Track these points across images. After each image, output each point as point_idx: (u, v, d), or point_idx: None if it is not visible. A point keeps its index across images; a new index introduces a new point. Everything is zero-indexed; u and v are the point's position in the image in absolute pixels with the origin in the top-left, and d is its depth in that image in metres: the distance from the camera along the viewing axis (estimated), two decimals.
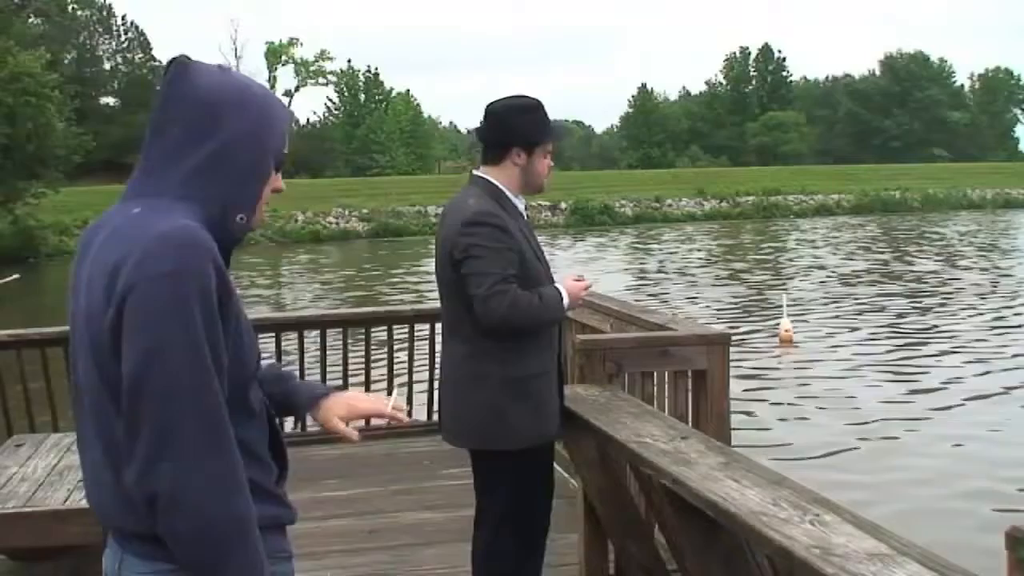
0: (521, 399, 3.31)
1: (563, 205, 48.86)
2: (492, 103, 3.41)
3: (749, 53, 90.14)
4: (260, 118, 1.68)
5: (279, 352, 6.19)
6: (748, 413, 10.23)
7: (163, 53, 71.37)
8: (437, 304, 3.76)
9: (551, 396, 3.41)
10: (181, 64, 1.66)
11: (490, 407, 3.31)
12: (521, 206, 3.45)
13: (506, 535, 3.45)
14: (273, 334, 6.22)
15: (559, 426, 3.46)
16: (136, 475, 1.50)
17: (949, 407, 10.96)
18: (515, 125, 3.37)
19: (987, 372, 12.69)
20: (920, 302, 19.59)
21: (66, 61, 57.04)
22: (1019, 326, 16.37)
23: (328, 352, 6.38)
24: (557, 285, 3.37)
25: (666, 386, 4.02)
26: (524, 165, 3.37)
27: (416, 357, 6.44)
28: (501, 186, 3.37)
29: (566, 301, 3.34)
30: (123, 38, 70.98)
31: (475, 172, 3.46)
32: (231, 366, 1.58)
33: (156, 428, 1.49)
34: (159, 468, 1.48)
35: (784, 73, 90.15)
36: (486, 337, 3.27)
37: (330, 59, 73.65)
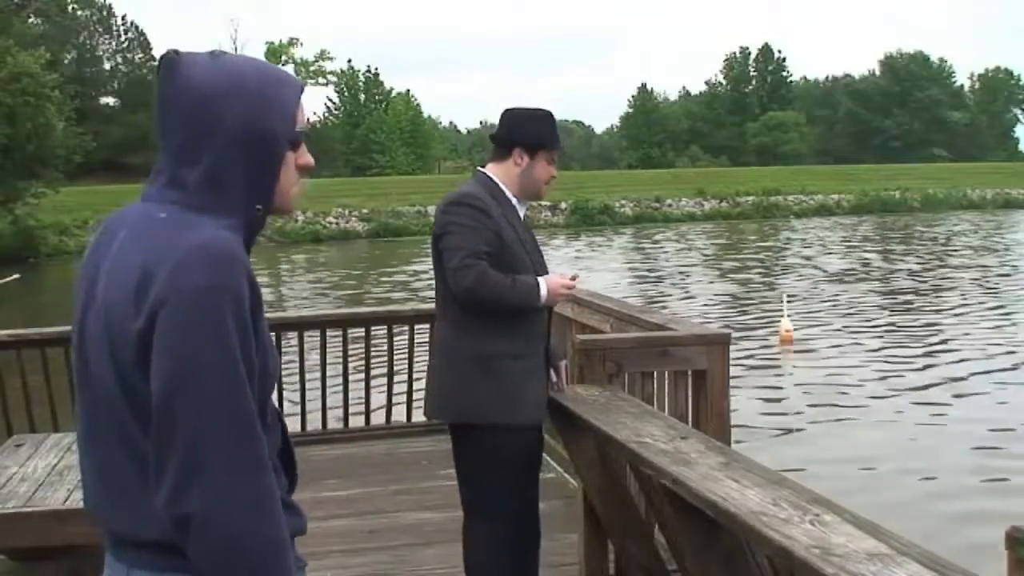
0: (487, 376, 3.40)
1: (563, 205, 48.84)
2: (510, 108, 3.62)
3: (749, 53, 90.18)
4: (257, 104, 1.60)
5: (279, 352, 6.18)
6: (748, 413, 10.22)
7: (163, 53, 71.38)
8: None
9: (526, 382, 3.45)
10: (169, 60, 1.60)
11: (460, 379, 3.43)
12: (519, 205, 3.55)
13: (494, 527, 3.48)
14: (273, 334, 6.20)
15: (538, 417, 3.49)
16: (167, 496, 1.45)
17: (948, 406, 10.97)
18: (522, 127, 3.56)
19: (985, 369, 12.69)
20: (918, 301, 19.59)
21: (66, 61, 57.05)
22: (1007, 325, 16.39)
23: (328, 352, 6.39)
24: (539, 278, 3.46)
25: (666, 386, 4.02)
26: (524, 167, 3.52)
27: (416, 357, 6.43)
28: (500, 183, 3.52)
29: (543, 292, 3.42)
30: (123, 38, 70.98)
31: (479, 168, 3.62)
32: (259, 378, 1.54)
33: (188, 449, 1.44)
34: (191, 490, 1.44)
35: (784, 73, 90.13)
36: (463, 314, 3.41)
37: (330, 59, 73.54)
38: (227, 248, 1.52)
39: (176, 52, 1.62)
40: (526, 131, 3.55)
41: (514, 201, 3.52)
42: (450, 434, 3.60)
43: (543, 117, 3.60)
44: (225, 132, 1.58)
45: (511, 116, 3.60)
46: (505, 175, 3.52)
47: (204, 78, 1.59)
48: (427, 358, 6.22)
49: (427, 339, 6.38)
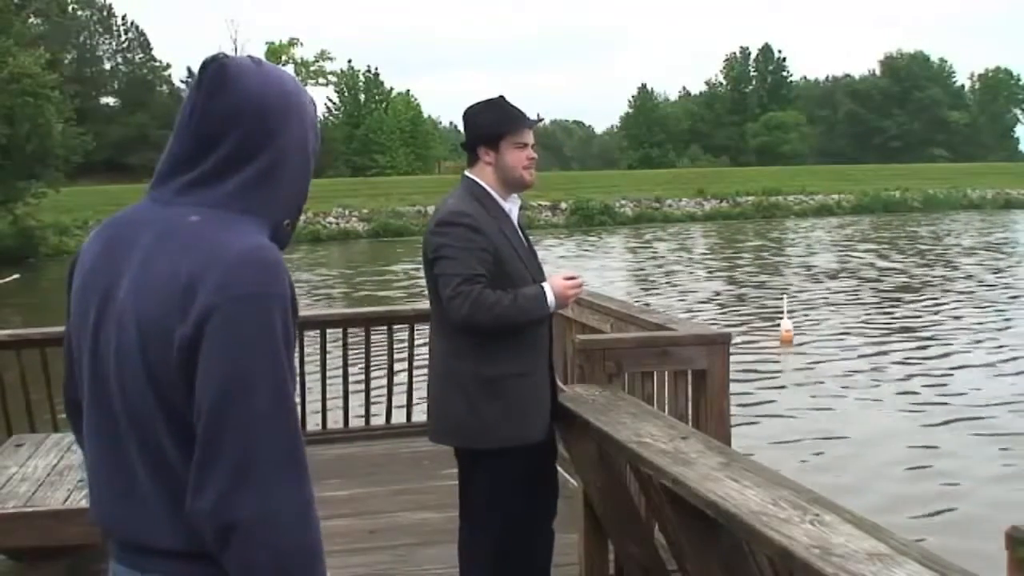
0: (493, 399, 3.32)
1: (563, 205, 48.87)
2: (465, 108, 3.49)
3: (749, 53, 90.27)
4: (306, 122, 1.64)
5: (301, 353, 6.19)
6: (749, 413, 10.23)
7: (163, 53, 71.83)
8: None
9: (532, 398, 3.39)
10: (222, 66, 1.58)
11: (465, 405, 3.35)
12: (510, 206, 3.46)
13: (484, 535, 3.47)
14: None
15: (545, 430, 3.44)
16: (212, 503, 1.43)
17: (947, 405, 10.97)
18: (475, 124, 3.44)
19: (985, 371, 12.70)
20: (917, 300, 19.58)
21: (66, 61, 57.05)
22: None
23: (328, 352, 6.38)
24: (543, 284, 3.37)
25: (666, 386, 4.01)
26: (495, 162, 3.41)
27: (416, 357, 6.43)
28: (486, 186, 3.42)
29: (551, 300, 3.34)
30: (123, 38, 71.04)
31: (465, 172, 3.51)
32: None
33: (239, 456, 1.43)
34: (240, 497, 1.43)
35: (784, 73, 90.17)
36: (461, 335, 3.31)
37: (330, 59, 73.59)
38: (273, 254, 1.52)
39: (225, 56, 1.61)
40: (480, 126, 3.42)
41: (504, 204, 3.42)
42: (456, 455, 3.55)
43: (493, 105, 3.44)
44: (281, 145, 1.59)
45: (464, 116, 3.48)
46: (484, 177, 3.42)
47: (261, 90, 1.59)
48: (427, 359, 6.33)
49: (427, 339, 6.41)
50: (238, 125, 1.57)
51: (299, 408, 6.46)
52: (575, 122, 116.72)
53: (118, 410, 1.54)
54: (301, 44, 72.21)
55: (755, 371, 12.83)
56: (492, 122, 3.41)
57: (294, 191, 1.64)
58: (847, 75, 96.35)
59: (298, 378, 6.46)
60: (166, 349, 1.47)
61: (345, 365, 6.41)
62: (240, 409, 1.44)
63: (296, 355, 5.99)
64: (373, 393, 6.82)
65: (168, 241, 1.52)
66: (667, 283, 24.36)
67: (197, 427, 1.45)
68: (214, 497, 1.43)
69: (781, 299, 16.83)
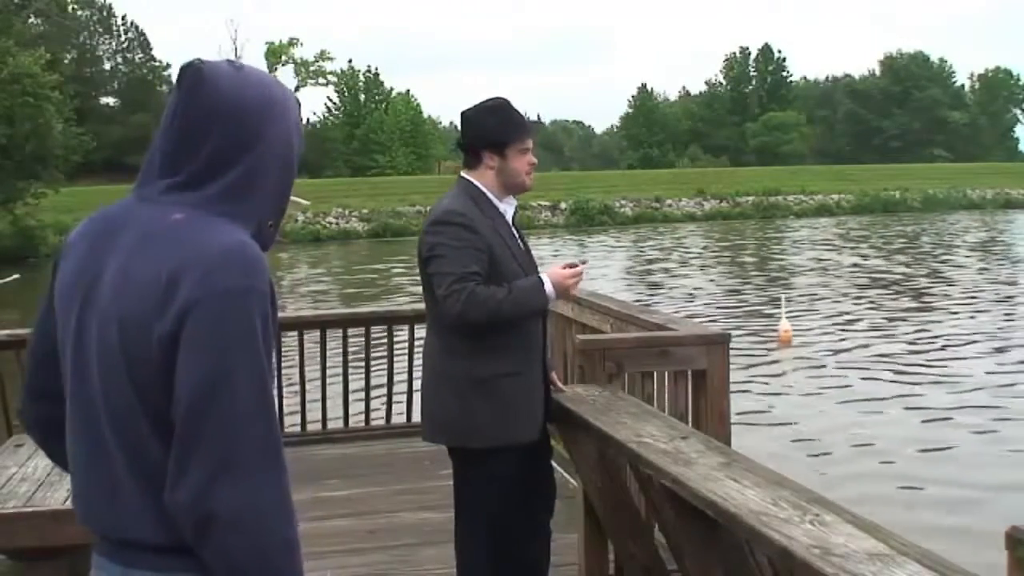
0: (486, 398, 3.31)
1: (563, 205, 48.86)
2: (465, 109, 3.46)
3: (749, 53, 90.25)
4: (288, 123, 1.65)
5: (279, 352, 6.18)
6: (748, 413, 10.22)
7: (163, 53, 71.79)
8: None
9: (525, 398, 3.38)
10: (197, 70, 1.60)
11: (456, 404, 3.35)
12: (506, 207, 3.45)
13: (479, 534, 3.47)
14: None
15: (538, 430, 3.44)
16: (192, 495, 1.44)
17: (941, 408, 10.97)
18: (482, 128, 3.41)
19: (984, 371, 12.70)
20: (915, 299, 19.59)
21: (66, 61, 56.99)
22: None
23: (328, 352, 6.38)
24: (540, 275, 3.37)
25: (666, 386, 4.02)
26: (498, 167, 3.40)
27: (416, 357, 6.43)
28: (483, 188, 3.41)
29: (549, 289, 3.32)
30: (123, 38, 71.05)
31: (461, 173, 3.50)
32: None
33: (219, 448, 1.45)
34: (219, 489, 1.44)
35: (784, 73, 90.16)
36: (454, 334, 3.32)
37: (330, 59, 73.54)
38: (254, 251, 1.55)
39: (201, 60, 1.62)
40: (487, 131, 3.39)
41: (500, 205, 3.42)
42: (450, 454, 3.56)
43: (500, 109, 3.41)
44: (264, 146, 1.61)
45: (468, 119, 3.43)
46: (483, 179, 3.40)
47: (241, 93, 1.60)
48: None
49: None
50: (216, 127, 1.58)
51: (299, 408, 6.47)
52: (575, 122, 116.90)
53: (99, 406, 1.55)
54: (301, 44, 72.16)
55: (755, 371, 12.83)
56: (499, 128, 3.39)
57: (277, 192, 1.65)
58: (847, 75, 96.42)
59: (298, 378, 6.48)
60: (146, 346, 1.49)
61: (345, 365, 6.42)
62: (220, 403, 1.45)
63: (295, 354, 5.97)
64: (373, 393, 6.81)
65: (150, 240, 1.54)
66: (664, 283, 24.35)
67: (176, 420, 1.47)
68: (193, 490, 1.45)
69: (779, 299, 16.82)
